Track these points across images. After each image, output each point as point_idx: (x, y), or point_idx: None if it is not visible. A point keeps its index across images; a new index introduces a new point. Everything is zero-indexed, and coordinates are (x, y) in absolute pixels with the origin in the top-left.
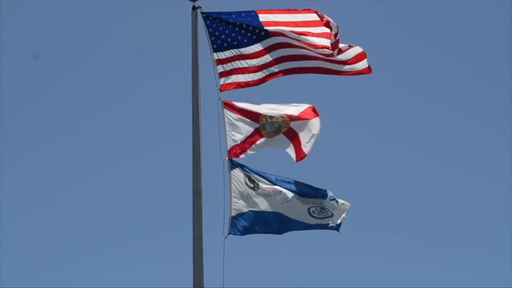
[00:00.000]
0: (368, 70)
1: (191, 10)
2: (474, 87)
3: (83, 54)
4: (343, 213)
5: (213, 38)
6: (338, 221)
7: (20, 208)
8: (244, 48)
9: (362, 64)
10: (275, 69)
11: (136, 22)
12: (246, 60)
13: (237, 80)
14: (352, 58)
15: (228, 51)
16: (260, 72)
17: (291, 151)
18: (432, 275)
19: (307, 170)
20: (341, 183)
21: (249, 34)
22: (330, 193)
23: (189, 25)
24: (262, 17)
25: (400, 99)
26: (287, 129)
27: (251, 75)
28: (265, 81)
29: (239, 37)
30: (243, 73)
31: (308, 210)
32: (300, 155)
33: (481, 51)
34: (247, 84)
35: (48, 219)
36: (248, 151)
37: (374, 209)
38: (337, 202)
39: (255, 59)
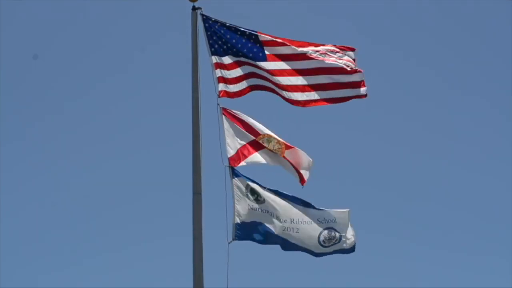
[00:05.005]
0: (364, 96)
1: (191, 11)
2: (474, 86)
3: (83, 54)
4: (348, 225)
5: (211, 41)
6: (349, 243)
7: (19, 208)
8: (242, 57)
9: (360, 91)
10: (271, 85)
11: (136, 22)
12: (243, 67)
13: (235, 90)
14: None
15: (226, 57)
16: (256, 79)
17: (292, 171)
18: (432, 275)
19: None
20: (342, 183)
21: (249, 45)
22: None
23: (189, 26)
24: (262, 37)
25: (400, 99)
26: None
27: (249, 80)
28: (259, 89)
29: (239, 45)
30: (241, 81)
31: (319, 238)
32: (302, 178)
33: (481, 50)
34: (243, 93)
35: (48, 219)
36: (248, 160)
37: (374, 209)
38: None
39: (253, 67)
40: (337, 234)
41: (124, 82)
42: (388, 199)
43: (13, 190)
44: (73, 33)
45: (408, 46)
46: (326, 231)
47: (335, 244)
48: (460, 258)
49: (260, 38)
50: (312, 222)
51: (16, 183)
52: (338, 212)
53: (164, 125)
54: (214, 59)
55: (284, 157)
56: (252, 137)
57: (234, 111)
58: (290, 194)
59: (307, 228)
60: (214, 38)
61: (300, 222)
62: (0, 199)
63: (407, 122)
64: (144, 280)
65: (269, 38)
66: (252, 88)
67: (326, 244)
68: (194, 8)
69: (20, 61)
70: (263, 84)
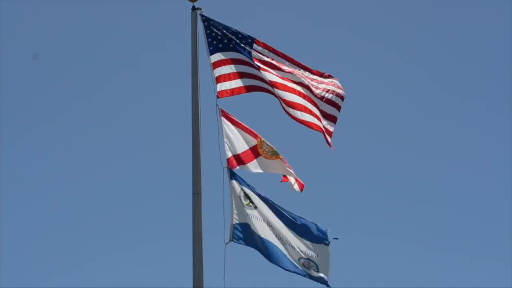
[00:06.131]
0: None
1: (190, 11)
2: (473, 88)
3: (82, 54)
4: (327, 263)
5: (209, 39)
6: (323, 275)
7: (20, 210)
8: (238, 54)
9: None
10: (271, 88)
11: (136, 22)
12: (240, 65)
13: (232, 86)
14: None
15: (223, 52)
16: (256, 80)
17: (290, 176)
18: (432, 277)
19: (306, 173)
20: (342, 186)
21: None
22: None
23: (189, 26)
24: (255, 47)
25: (398, 100)
26: (283, 157)
27: (248, 79)
28: (261, 90)
29: (234, 45)
30: (239, 78)
31: (299, 259)
32: (300, 184)
33: (480, 51)
34: (243, 90)
35: (47, 220)
36: (244, 166)
37: (374, 211)
38: (327, 243)
39: (250, 67)
40: (315, 266)
41: (123, 82)
42: (388, 201)
43: (13, 192)
44: (73, 33)
45: (404, 47)
46: (305, 260)
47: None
48: (459, 260)
49: (253, 47)
50: (295, 247)
51: (15, 185)
52: (320, 248)
53: (164, 125)
54: (213, 58)
55: (281, 159)
56: (253, 142)
57: (231, 115)
58: (279, 208)
59: (292, 244)
60: (213, 35)
61: (286, 237)
62: (0, 200)
63: (405, 124)
64: (143, 280)
65: (262, 56)
66: (247, 89)
67: (306, 267)
68: (194, 8)
69: (20, 61)
70: (258, 85)
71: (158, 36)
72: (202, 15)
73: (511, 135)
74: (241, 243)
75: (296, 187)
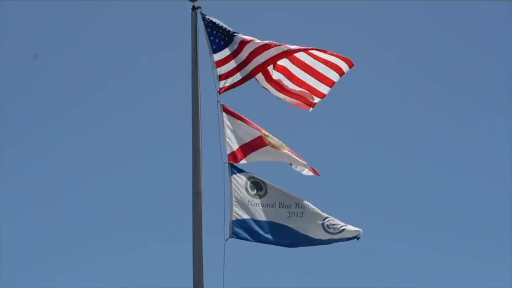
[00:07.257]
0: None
1: (191, 11)
2: (473, 88)
3: (82, 54)
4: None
5: (211, 38)
6: (352, 235)
7: (20, 210)
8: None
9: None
10: (260, 60)
11: (136, 22)
12: (239, 55)
13: (235, 80)
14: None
15: (225, 49)
16: (253, 60)
17: (300, 165)
18: (432, 277)
19: (308, 178)
20: (341, 186)
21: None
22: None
23: (189, 26)
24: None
25: (398, 100)
26: (290, 148)
27: (245, 68)
28: (255, 74)
29: (230, 36)
30: (238, 70)
31: (323, 225)
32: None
33: (480, 51)
34: (243, 81)
35: (49, 221)
36: (250, 157)
37: (373, 211)
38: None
39: (245, 46)
40: (341, 223)
41: (123, 82)
42: (387, 201)
43: (13, 192)
44: (73, 33)
45: (404, 48)
46: (330, 218)
47: (340, 232)
48: (459, 261)
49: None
50: (316, 209)
51: (15, 185)
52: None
53: (164, 125)
54: (216, 57)
55: (288, 150)
56: (257, 133)
57: (233, 110)
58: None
59: (311, 213)
60: (215, 32)
61: (303, 207)
62: (0, 200)
63: (404, 124)
64: (143, 281)
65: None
66: (245, 78)
67: (331, 231)
68: (194, 8)
69: (20, 61)
70: (255, 66)
71: (158, 36)
72: (202, 14)
73: (511, 135)
74: (241, 239)
75: (308, 172)
